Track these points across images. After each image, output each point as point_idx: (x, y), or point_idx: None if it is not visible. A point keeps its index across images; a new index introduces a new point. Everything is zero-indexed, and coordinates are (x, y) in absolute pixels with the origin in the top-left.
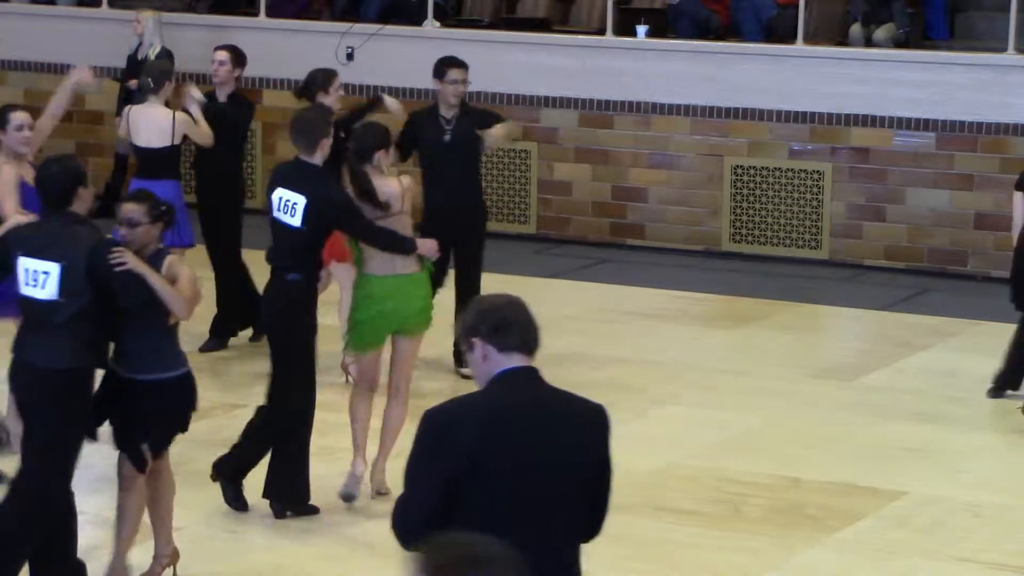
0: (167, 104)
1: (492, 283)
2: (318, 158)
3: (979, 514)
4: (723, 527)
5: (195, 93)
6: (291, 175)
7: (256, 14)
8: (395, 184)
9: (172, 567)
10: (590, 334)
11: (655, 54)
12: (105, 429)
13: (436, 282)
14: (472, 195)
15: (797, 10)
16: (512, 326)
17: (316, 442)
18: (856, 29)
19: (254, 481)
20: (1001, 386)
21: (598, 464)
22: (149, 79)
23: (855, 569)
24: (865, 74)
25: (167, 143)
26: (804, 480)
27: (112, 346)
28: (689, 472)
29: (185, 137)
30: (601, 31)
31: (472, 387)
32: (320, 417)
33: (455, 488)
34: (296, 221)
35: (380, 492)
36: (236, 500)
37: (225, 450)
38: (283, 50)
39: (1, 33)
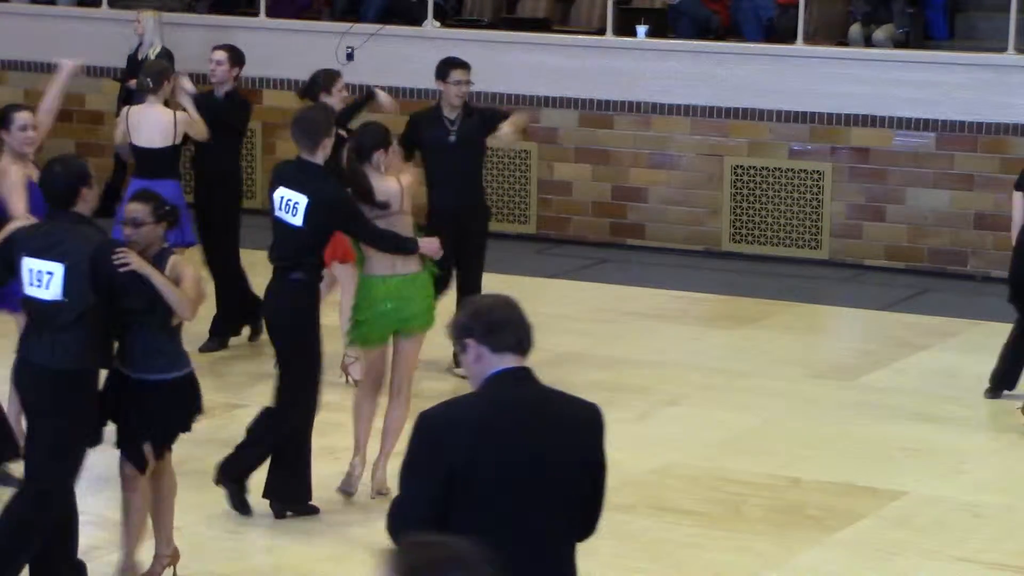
0: (166, 103)
1: (492, 283)
2: (320, 157)
3: (979, 514)
4: (723, 527)
5: (186, 84)
6: (293, 174)
7: (256, 14)
8: (394, 183)
9: (172, 567)
10: (590, 334)
11: (655, 54)
12: (108, 429)
13: (443, 283)
14: (476, 195)
15: (797, 10)
16: (506, 327)
17: (317, 442)
18: (856, 29)
19: (254, 481)
20: (997, 386)
21: (593, 464)
22: (148, 79)
23: (855, 569)
24: (865, 74)
25: (169, 143)
26: (804, 480)
27: (116, 346)
28: (689, 472)
29: (186, 136)
30: (601, 31)
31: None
32: (320, 417)
33: (450, 489)
34: (298, 220)
35: (380, 492)
36: (241, 504)
37: (225, 450)
38: (283, 50)
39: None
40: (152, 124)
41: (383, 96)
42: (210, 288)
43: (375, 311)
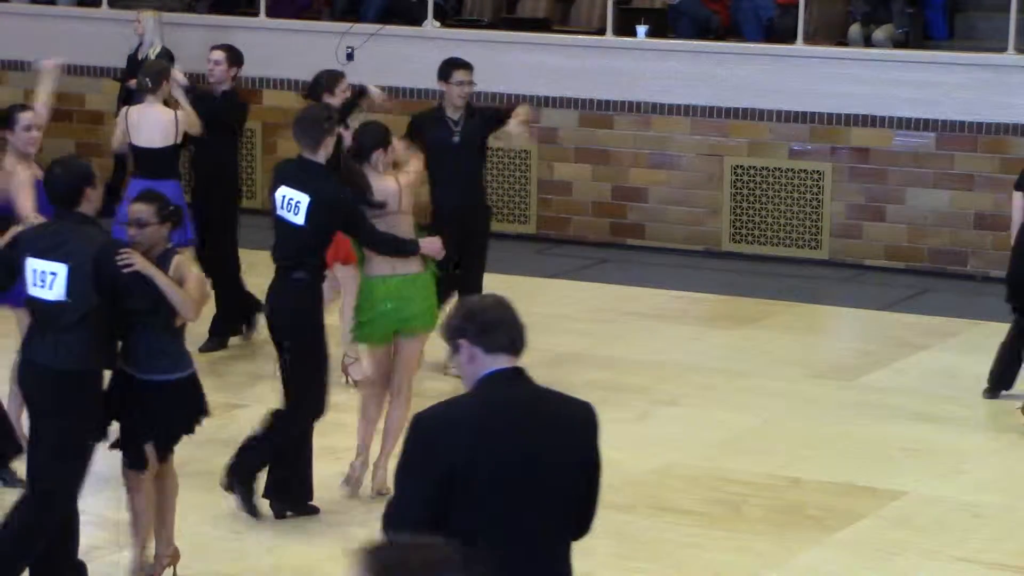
0: (165, 103)
1: (492, 283)
2: (321, 156)
3: (979, 514)
4: (723, 527)
5: (178, 76)
6: (294, 173)
7: (256, 14)
8: (392, 183)
9: (172, 567)
10: (590, 334)
11: (655, 54)
12: (112, 428)
13: (450, 286)
14: (479, 195)
15: (797, 10)
16: (499, 327)
17: (318, 442)
18: (856, 29)
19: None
20: (995, 386)
21: (588, 462)
22: (147, 79)
23: (855, 569)
24: (865, 74)
25: (170, 142)
26: (804, 480)
27: (119, 346)
28: (689, 472)
29: (186, 136)
30: (601, 31)
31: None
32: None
33: (446, 490)
34: (300, 219)
35: (381, 492)
36: (251, 507)
37: (226, 450)
38: (283, 50)
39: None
40: (153, 124)
41: (373, 90)
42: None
43: (376, 311)
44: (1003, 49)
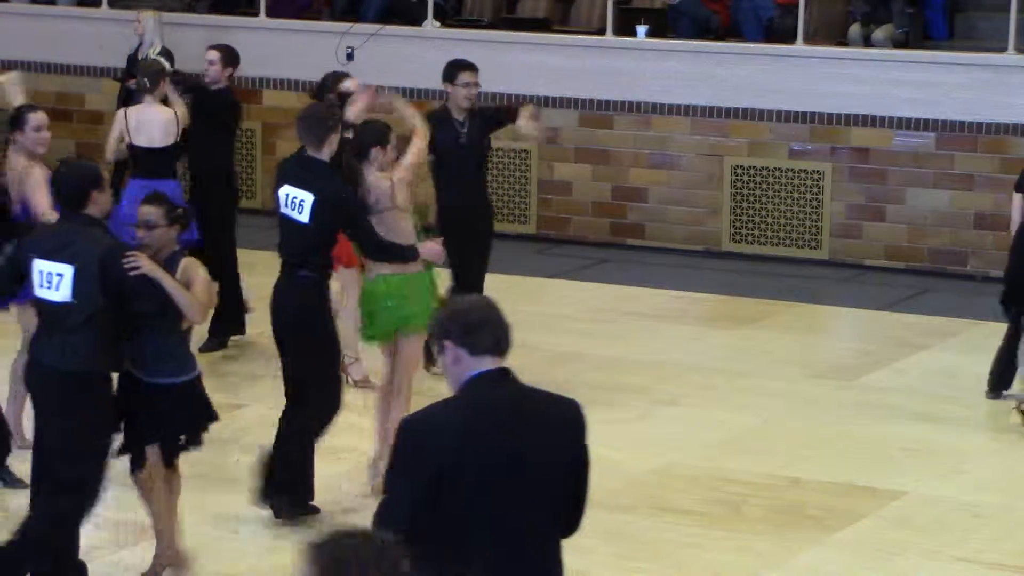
0: (163, 102)
1: (492, 283)
2: (325, 154)
3: (979, 514)
4: (723, 527)
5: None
6: (298, 172)
7: (256, 14)
8: (385, 181)
9: (173, 567)
10: (590, 334)
11: (655, 54)
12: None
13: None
14: (483, 195)
15: (797, 10)
16: (483, 328)
17: (320, 442)
18: (856, 29)
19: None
20: (996, 386)
21: (576, 460)
22: (145, 79)
23: (855, 569)
24: (865, 74)
25: (170, 141)
26: (804, 480)
27: (126, 349)
28: (689, 472)
29: (185, 136)
30: (601, 31)
31: None
32: None
33: (435, 491)
34: (304, 218)
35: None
36: (290, 513)
37: (226, 450)
38: (283, 50)
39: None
40: (153, 123)
41: (348, 81)
42: None
43: (375, 307)
44: (1003, 49)
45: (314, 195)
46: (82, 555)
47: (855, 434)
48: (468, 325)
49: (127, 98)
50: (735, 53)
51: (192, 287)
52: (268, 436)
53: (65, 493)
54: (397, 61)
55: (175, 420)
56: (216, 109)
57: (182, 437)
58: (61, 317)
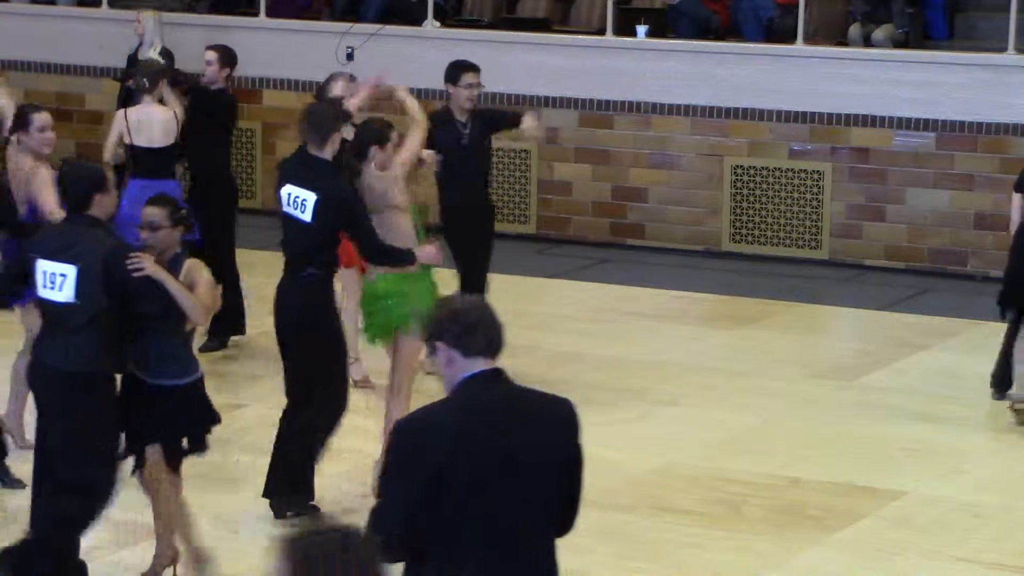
0: (161, 102)
1: (493, 283)
2: (328, 152)
3: (979, 514)
4: (723, 527)
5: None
6: (300, 171)
7: (256, 14)
8: (385, 181)
9: (172, 567)
10: (590, 334)
11: (655, 54)
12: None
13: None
14: (485, 195)
15: (797, 10)
16: (476, 329)
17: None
18: (856, 29)
19: (254, 482)
20: (999, 387)
21: (569, 460)
22: (144, 79)
23: (855, 569)
24: (865, 74)
25: (171, 141)
26: (804, 480)
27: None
28: (689, 472)
29: (184, 136)
30: (601, 31)
31: None
32: None
33: (431, 493)
34: (307, 217)
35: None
36: (291, 508)
37: (226, 450)
38: (283, 50)
39: (1, 33)
40: (153, 123)
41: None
42: None
43: (375, 307)
44: (1003, 49)
45: (317, 194)
46: (82, 555)
47: (855, 434)
48: (461, 327)
49: (127, 98)
50: (735, 53)
51: (195, 289)
52: (268, 436)
53: (66, 494)
54: (397, 61)
55: (177, 422)
56: (214, 109)
57: (184, 440)
58: (64, 318)
